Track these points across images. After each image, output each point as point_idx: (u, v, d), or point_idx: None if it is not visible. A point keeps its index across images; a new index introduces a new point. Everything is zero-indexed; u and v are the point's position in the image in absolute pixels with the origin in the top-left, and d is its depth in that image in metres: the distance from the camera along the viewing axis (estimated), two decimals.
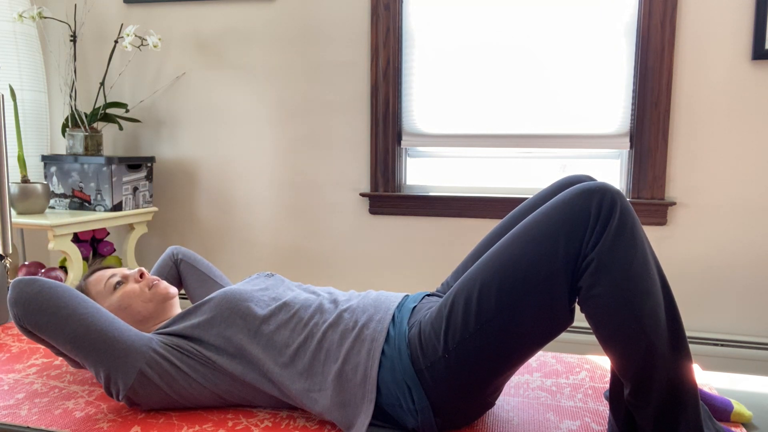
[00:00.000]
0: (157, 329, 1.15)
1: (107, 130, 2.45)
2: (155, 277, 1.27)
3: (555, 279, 0.91)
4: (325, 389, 1.04)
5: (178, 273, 1.51)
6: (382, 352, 1.03)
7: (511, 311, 0.94)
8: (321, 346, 1.06)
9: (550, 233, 0.92)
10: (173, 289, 1.26)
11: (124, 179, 2.17)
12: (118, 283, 1.23)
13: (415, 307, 1.11)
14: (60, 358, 1.37)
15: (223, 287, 1.47)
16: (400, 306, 1.12)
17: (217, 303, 1.12)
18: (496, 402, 1.15)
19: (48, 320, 1.05)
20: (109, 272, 1.26)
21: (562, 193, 0.96)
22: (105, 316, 1.08)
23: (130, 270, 1.28)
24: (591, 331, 2.03)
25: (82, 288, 1.26)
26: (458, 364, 0.97)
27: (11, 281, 1.27)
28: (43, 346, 1.44)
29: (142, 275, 1.25)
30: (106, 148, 2.47)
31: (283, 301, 1.14)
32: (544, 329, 0.95)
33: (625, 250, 0.88)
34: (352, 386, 1.02)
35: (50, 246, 1.90)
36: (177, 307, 1.28)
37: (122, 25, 2.39)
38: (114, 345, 1.05)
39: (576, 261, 0.91)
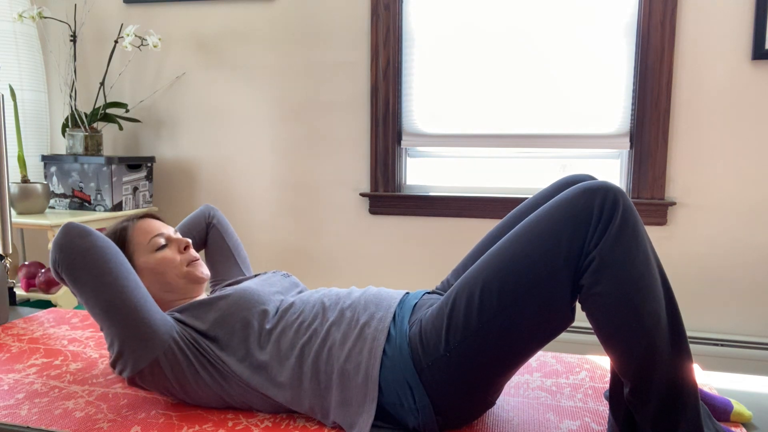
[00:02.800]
0: (173, 310, 1.14)
1: (107, 130, 2.45)
2: (197, 255, 1.24)
3: (557, 277, 0.91)
4: (329, 387, 1.04)
5: (206, 237, 1.46)
6: (384, 351, 1.03)
7: (513, 309, 0.94)
8: (324, 344, 1.06)
9: (552, 231, 0.92)
10: (207, 274, 1.24)
11: (124, 179, 2.17)
12: (162, 246, 1.20)
13: (416, 304, 1.11)
14: (60, 358, 1.37)
15: (244, 274, 1.45)
16: (401, 303, 1.12)
17: (234, 302, 1.11)
18: (496, 402, 1.15)
19: (87, 280, 1.02)
20: (157, 228, 1.22)
21: (564, 191, 0.95)
22: (141, 293, 1.07)
23: (177, 236, 1.24)
24: (591, 331, 2.03)
25: (127, 229, 1.21)
26: (460, 363, 0.97)
27: (64, 222, 1.22)
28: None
29: (186, 247, 1.22)
30: (106, 148, 2.47)
31: (289, 303, 1.14)
32: (545, 327, 0.95)
33: (627, 248, 0.88)
34: (353, 385, 1.02)
35: (50, 246, 1.90)
36: (203, 292, 1.27)
37: (122, 25, 2.39)
38: (141, 326, 1.04)
39: (578, 259, 0.90)
